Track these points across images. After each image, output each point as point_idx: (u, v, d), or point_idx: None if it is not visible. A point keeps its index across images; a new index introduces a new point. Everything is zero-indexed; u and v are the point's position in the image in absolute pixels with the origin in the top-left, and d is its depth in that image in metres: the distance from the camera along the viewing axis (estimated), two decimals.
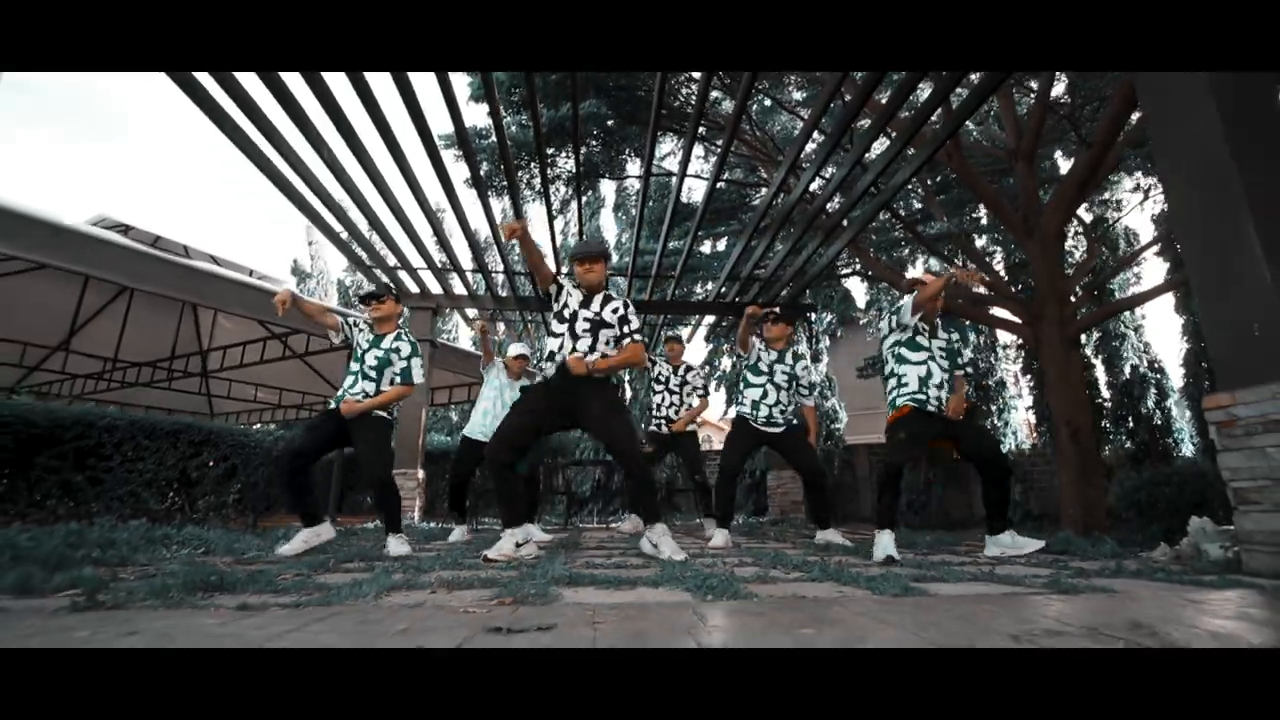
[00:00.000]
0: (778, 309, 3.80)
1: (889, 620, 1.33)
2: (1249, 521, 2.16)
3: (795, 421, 3.74)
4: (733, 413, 3.84)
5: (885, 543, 2.73)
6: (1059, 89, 6.38)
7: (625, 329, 2.92)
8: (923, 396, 2.93)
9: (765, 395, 3.66)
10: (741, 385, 3.76)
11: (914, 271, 9.54)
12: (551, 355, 2.89)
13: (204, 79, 3.67)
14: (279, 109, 3.93)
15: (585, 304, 2.94)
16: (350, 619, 1.41)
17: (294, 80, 3.83)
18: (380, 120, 4.07)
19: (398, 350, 3.31)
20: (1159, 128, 2.63)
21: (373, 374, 3.27)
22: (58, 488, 3.76)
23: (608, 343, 2.90)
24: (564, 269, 6.72)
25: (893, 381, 3.05)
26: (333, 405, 3.22)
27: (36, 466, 3.68)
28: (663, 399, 4.75)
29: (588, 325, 2.89)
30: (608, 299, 2.98)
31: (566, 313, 2.94)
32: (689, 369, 4.82)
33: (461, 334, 18.30)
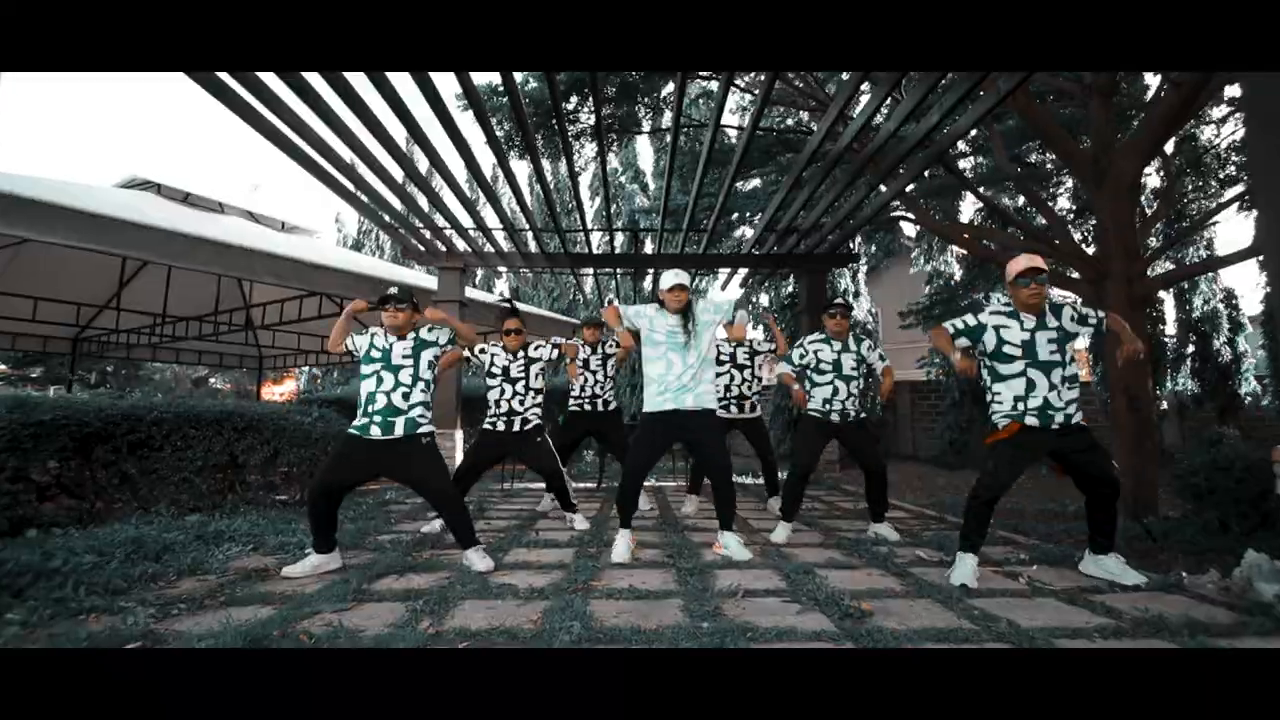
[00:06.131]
0: (835, 304, 3.71)
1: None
2: None
3: (864, 415, 3.73)
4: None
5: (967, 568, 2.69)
6: None
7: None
8: (1020, 410, 2.71)
9: (836, 392, 3.62)
10: (808, 386, 3.73)
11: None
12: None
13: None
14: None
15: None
16: None
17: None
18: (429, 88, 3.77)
19: (429, 332, 3.08)
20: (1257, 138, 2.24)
21: (407, 362, 2.95)
22: (116, 478, 3.99)
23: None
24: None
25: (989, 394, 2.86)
26: (355, 432, 2.93)
27: (95, 461, 3.89)
28: (583, 380, 4.67)
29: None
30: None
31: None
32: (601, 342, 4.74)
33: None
